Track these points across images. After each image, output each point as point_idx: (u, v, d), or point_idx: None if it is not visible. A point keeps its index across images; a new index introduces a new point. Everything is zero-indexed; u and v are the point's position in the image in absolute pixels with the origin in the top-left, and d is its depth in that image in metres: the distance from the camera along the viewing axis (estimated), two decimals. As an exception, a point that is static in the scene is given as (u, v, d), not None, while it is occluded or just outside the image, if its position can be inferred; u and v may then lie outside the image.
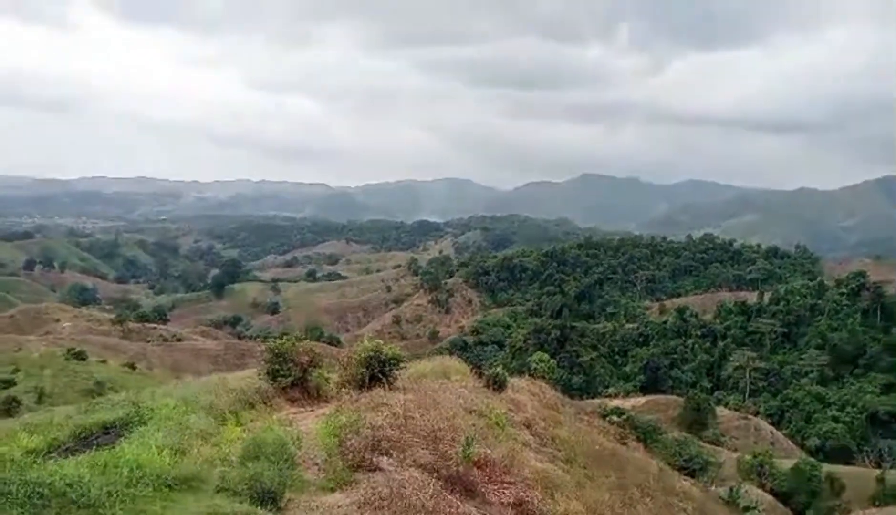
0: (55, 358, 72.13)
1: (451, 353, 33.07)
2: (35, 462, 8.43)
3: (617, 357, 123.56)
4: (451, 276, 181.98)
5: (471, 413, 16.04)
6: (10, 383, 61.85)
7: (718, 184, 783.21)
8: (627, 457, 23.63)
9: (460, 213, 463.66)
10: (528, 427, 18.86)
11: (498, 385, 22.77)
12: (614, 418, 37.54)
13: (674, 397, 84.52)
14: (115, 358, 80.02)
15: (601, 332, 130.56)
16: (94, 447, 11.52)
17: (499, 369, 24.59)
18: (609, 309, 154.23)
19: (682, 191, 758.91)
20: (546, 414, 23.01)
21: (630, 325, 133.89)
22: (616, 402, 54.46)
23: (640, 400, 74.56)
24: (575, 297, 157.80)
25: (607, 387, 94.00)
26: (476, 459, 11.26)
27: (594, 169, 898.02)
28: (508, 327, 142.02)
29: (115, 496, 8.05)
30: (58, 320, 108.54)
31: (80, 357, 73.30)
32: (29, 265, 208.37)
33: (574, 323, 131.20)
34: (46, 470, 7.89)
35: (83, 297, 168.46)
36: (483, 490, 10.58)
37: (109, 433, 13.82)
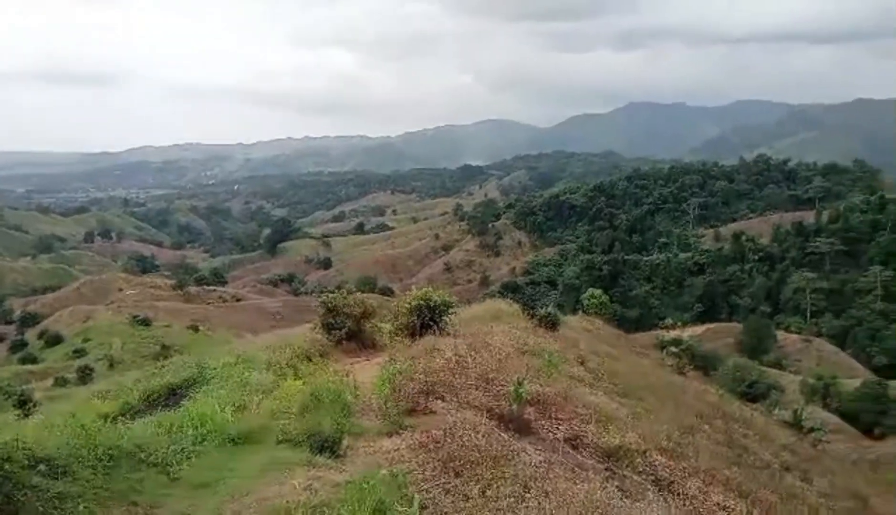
0: (122, 325, 75.10)
1: (502, 296, 33.08)
2: (105, 425, 8.82)
3: (672, 288, 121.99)
4: (497, 219, 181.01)
5: (523, 353, 16.10)
6: (82, 352, 64.92)
7: (770, 102, 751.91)
8: (685, 387, 23.52)
9: (503, 155, 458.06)
10: (582, 363, 18.86)
11: (550, 324, 22.74)
12: (672, 349, 37.34)
13: (733, 324, 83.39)
14: (179, 321, 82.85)
15: (655, 264, 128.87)
16: (162, 408, 12.04)
17: (550, 308, 24.55)
18: (662, 240, 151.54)
19: (732, 112, 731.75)
20: (600, 350, 22.98)
21: (684, 255, 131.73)
22: (673, 333, 53.95)
23: (699, 329, 73.76)
24: (626, 231, 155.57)
25: (663, 319, 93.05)
26: (529, 397, 11.33)
27: (639, 97, 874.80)
28: (559, 266, 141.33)
29: (181, 453, 8.42)
30: (121, 289, 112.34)
31: (146, 323, 76.22)
32: (88, 238, 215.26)
33: (626, 257, 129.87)
34: (116, 433, 8.26)
35: (143, 265, 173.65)
36: (536, 427, 10.67)
37: (176, 394, 14.42)
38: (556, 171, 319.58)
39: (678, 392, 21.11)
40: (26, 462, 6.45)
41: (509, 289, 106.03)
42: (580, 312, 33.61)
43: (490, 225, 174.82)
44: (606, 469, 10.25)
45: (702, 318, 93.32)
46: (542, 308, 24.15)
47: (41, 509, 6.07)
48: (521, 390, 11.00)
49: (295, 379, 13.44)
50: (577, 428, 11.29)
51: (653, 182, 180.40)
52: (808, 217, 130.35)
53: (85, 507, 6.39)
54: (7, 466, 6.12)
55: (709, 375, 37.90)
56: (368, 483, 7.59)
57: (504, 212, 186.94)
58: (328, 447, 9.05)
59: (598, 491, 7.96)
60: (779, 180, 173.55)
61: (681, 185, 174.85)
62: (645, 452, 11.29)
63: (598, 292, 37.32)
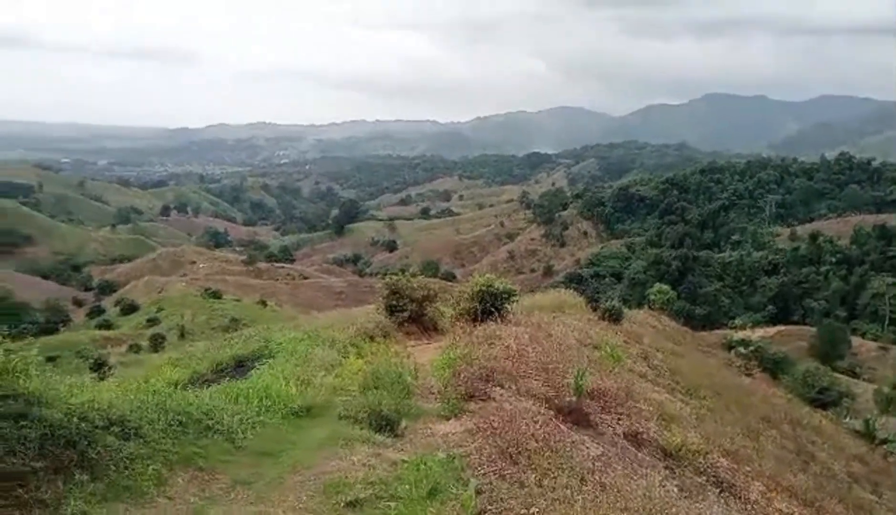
0: (194, 297, 77.73)
1: (566, 287, 32.75)
2: (175, 392, 9.16)
3: (744, 287, 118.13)
4: (564, 208, 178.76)
5: (585, 345, 15.93)
6: (155, 321, 67.53)
7: (855, 97, 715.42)
8: (752, 389, 22.82)
9: (573, 143, 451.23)
10: (646, 359, 18.53)
11: (614, 317, 22.43)
12: (740, 350, 36.22)
13: (805, 327, 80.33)
14: (248, 296, 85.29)
15: (726, 261, 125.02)
16: (229, 378, 12.43)
17: (615, 301, 24.19)
18: (735, 237, 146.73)
19: (814, 107, 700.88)
20: (665, 346, 22.52)
21: (758, 253, 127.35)
22: (742, 334, 52.34)
23: (770, 330, 71.28)
24: (698, 225, 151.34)
25: (732, 318, 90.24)
26: (589, 390, 11.20)
27: (718, 88, 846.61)
28: (626, 259, 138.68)
29: (246, 423, 8.67)
30: (194, 262, 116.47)
31: (216, 295, 78.67)
32: (165, 211, 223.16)
33: (697, 253, 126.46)
34: (185, 400, 8.57)
35: (216, 240, 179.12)
36: (596, 420, 10.54)
37: (243, 365, 14.86)
38: (627, 162, 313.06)
39: (744, 394, 20.50)
40: (101, 422, 6.73)
41: (573, 280, 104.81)
42: (645, 307, 33.01)
43: (556, 214, 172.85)
44: (666, 468, 10.06)
45: (773, 320, 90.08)
46: (606, 301, 23.84)
47: (113, 468, 6.33)
48: (581, 382, 10.88)
49: (357, 358, 13.68)
50: (637, 425, 11.11)
51: (728, 176, 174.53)
52: (892, 220, 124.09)
53: (154, 469, 6.65)
54: (83, 425, 6.40)
55: (777, 379, 36.65)
56: (425, 463, 7.66)
57: (571, 202, 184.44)
58: (387, 426, 9.18)
59: (657, 488, 7.82)
60: (861, 180, 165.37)
61: (757, 181, 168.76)
62: (707, 453, 11.03)
63: (665, 287, 36.56)
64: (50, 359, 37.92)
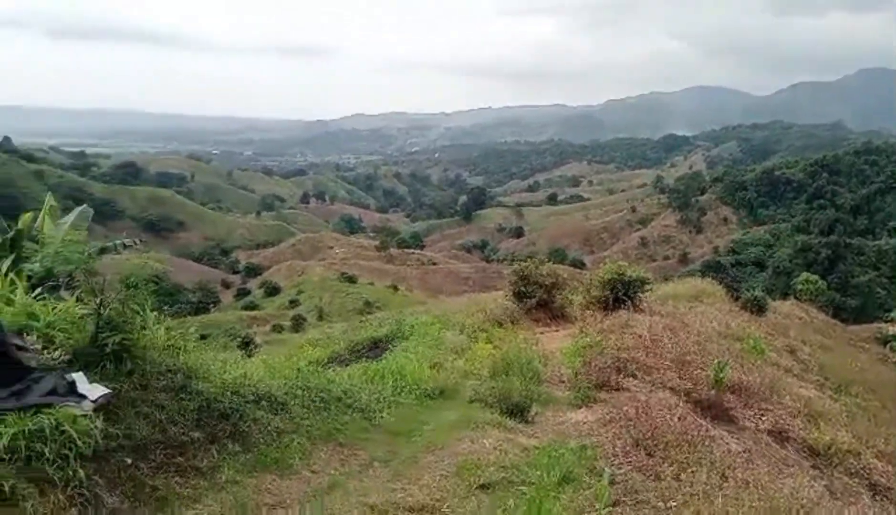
0: (331, 280, 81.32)
1: (703, 275, 31.30)
2: (317, 370, 9.63)
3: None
4: (702, 193, 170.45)
5: (725, 337, 15.21)
6: (296, 303, 71.29)
7: None
8: (914, 389, 20.91)
9: (712, 124, 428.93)
10: (792, 352, 17.43)
11: (757, 308, 21.28)
12: (897, 345, 33.35)
13: (978, 323, 72.45)
14: (380, 280, 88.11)
15: (883, 249, 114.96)
16: (365, 358, 12.92)
17: (758, 291, 22.94)
18: (892, 224, 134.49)
19: None
20: (812, 339, 21.09)
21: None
22: (900, 328, 47.94)
23: (932, 325, 64.88)
24: (850, 211, 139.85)
25: (888, 311, 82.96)
26: (729, 383, 10.69)
27: (874, 62, 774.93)
28: (770, 246, 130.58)
29: (381, 402, 8.99)
30: (331, 247, 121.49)
31: (352, 280, 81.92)
32: (304, 199, 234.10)
33: (849, 240, 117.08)
34: (326, 378, 9.00)
35: (351, 226, 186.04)
36: (737, 415, 10.05)
37: (377, 347, 15.38)
38: (772, 144, 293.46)
39: (905, 393, 18.81)
40: (251, 396, 7.18)
41: (711, 269, 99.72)
42: (791, 298, 31.03)
43: (693, 199, 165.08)
44: (813, 468, 9.47)
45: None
46: (748, 290, 22.62)
47: (262, 440, 6.73)
48: (721, 375, 10.42)
49: (486, 343, 13.80)
50: (782, 421, 10.50)
51: (885, 158, 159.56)
52: None
53: (298, 443, 7.03)
54: (235, 399, 6.85)
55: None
56: (557, 450, 7.62)
57: (710, 186, 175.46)
58: (518, 411, 9.20)
59: (806, 489, 7.36)
60: None
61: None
62: (859, 454, 10.26)
63: (813, 277, 34.25)
64: (202, 337, 40.95)
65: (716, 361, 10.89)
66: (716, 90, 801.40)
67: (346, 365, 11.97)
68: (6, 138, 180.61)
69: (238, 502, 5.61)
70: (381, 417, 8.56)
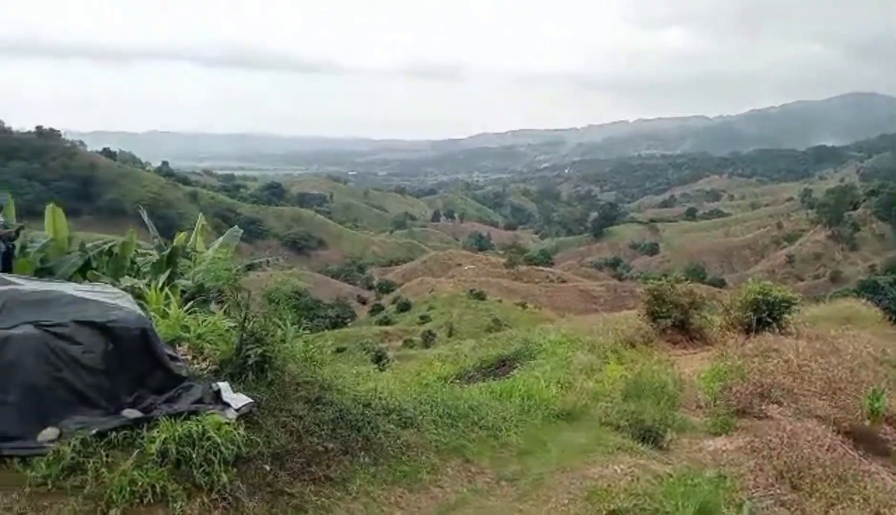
0: (460, 297, 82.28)
1: (857, 296, 28.87)
2: (445, 386, 9.75)
3: None
4: (855, 208, 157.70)
5: (881, 364, 13.94)
6: (427, 319, 72.72)
7: None
8: None
9: (866, 134, 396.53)
10: (964, 383, 15.67)
11: (922, 332, 19.33)
12: None
13: None
14: (509, 297, 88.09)
15: None
16: (492, 376, 12.94)
17: (922, 314, 20.84)
18: None
19: None
20: None
21: None
22: None
23: None
24: None
25: None
26: (886, 414, 9.78)
27: None
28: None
29: (509, 421, 8.94)
30: (460, 264, 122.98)
31: (481, 297, 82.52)
32: (435, 217, 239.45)
33: None
34: (454, 394, 9.09)
35: (480, 243, 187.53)
36: (894, 448, 9.16)
37: (505, 364, 15.36)
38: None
39: None
40: (382, 410, 7.38)
41: (867, 289, 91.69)
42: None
43: (846, 214, 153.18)
44: None
45: None
46: (909, 313, 20.61)
47: (392, 453, 6.90)
48: (877, 404, 9.56)
49: (618, 364, 13.42)
50: (950, 458, 9.44)
51: None
52: None
53: (427, 458, 7.13)
54: (367, 411, 7.07)
55: None
56: (693, 480, 7.26)
57: (864, 200, 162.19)
58: (651, 437, 8.87)
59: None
60: None
61: None
62: None
63: None
64: (339, 350, 42.65)
65: (871, 389, 10.00)
66: (870, 96, 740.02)
67: (475, 382, 12.02)
68: (164, 163, 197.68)
69: (369, 514, 5.76)
70: (509, 436, 8.51)
